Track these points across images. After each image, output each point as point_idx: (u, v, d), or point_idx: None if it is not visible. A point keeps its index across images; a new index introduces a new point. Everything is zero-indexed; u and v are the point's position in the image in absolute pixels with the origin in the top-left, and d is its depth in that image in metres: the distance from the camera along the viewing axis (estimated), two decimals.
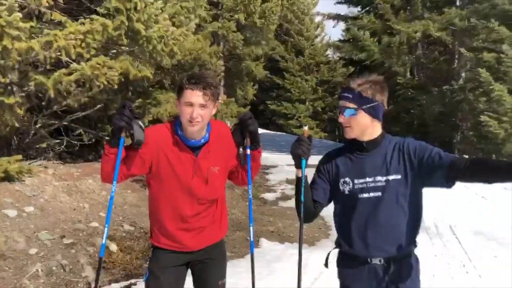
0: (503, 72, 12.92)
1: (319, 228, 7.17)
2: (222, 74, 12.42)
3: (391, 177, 2.18)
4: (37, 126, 6.89)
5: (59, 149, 7.52)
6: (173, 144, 2.44)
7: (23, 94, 5.88)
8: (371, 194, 2.20)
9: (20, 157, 6.02)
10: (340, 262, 2.37)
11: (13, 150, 6.82)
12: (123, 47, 6.36)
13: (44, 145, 7.27)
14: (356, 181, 2.23)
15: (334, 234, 2.44)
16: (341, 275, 2.38)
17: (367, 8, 18.17)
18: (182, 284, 2.65)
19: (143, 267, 5.04)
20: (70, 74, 5.75)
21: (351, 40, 18.33)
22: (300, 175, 2.25)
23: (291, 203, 8.30)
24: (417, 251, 2.34)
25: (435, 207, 8.00)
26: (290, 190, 9.91)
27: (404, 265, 2.24)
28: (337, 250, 2.39)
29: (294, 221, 7.31)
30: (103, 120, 7.88)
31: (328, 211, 2.48)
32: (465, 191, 8.98)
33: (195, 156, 2.45)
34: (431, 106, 16.03)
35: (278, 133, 26.86)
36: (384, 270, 2.22)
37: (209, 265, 2.63)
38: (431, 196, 8.39)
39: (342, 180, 2.27)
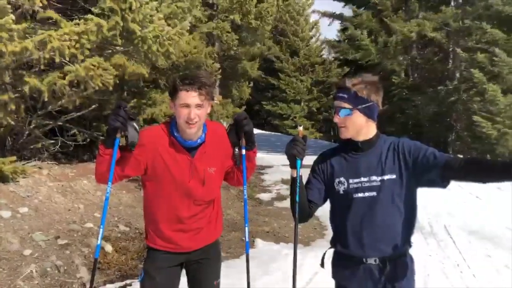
0: (496, 72, 12.98)
1: (314, 228, 7.18)
2: (219, 76, 12.40)
3: (386, 177, 2.19)
4: (31, 126, 6.85)
5: (54, 150, 7.48)
6: (169, 145, 2.43)
7: (17, 94, 5.85)
8: (366, 194, 2.21)
9: (14, 158, 5.99)
10: (336, 262, 2.38)
11: (8, 151, 6.78)
12: (117, 47, 6.34)
13: (38, 145, 7.24)
14: (351, 180, 2.23)
15: (329, 234, 2.45)
16: (336, 275, 2.38)
17: (363, 8, 18.18)
18: (177, 284, 2.65)
19: (138, 268, 5.03)
20: (64, 75, 5.73)
21: (346, 40, 18.35)
22: (295, 175, 2.25)
23: (287, 203, 8.31)
24: (412, 251, 2.35)
25: (430, 207, 8.03)
26: (285, 190, 9.91)
27: (399, 265, 2.25)
28: (332, 250, 2.40)
29: (290, 221, 7.31)
30: (98, 120, 7.84)
31: (323, 211, 2.48)
32: (459, 191, 9.02)
33: (191, 157, 2.44)
34: (425, 107, 16.09)
35: (274, 133, 26.87)
36: (380, 270, 2.23)
37: (204, 265, 2.63)
38: (426, 196, 8.43)
39: (337, 180, 2.27)
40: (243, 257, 5.58)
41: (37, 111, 6.79)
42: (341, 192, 2.26)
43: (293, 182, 2.26)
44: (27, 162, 6.88)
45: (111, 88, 6.24)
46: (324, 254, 2.45)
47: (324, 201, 2.36)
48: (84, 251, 5.26)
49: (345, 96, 2.18)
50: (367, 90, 2.18)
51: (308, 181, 2.37)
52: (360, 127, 2.21)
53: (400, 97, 17.36)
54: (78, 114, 7.14)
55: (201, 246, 2.59)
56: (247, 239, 2.68)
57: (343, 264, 2.32)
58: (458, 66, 15.88)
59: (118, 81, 6.38)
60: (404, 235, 2.24)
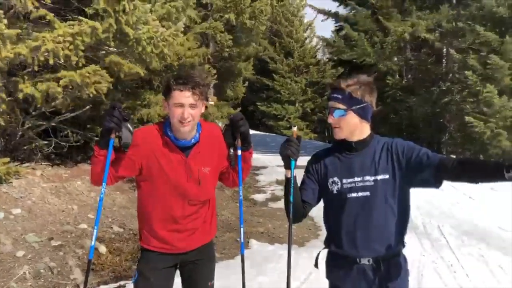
0: (490, 74, 13.06)
1: (308, 228, 7.18)
2: (214, 80, 12.39)
3: (379, 177, 2.20)
4: (24, 127, 6.81)
5: (47, 151, 7.44)
6: (163, 145, 2.43)
7: (11, 98, 5.85)
8: (360, 194, 2.21)
9: (7, 159, 5.96)
10: (329, 262, 2.38)
11: (0, 152, 6.74)
12: (111, 48, 6.32)
13: (32, 146, 7.20)
14: (344, 180, 2.24)
15: (323, 234, 2.45)
16: (330, 275, 2.39)
17: (359, 8, 18.19)
18: (171, 285, 2.64)
19: (132, 269, 5.01)
20: (58, 80, 5.73)
21: (341, 40, 18.34)
22: (289, 175, 2.26)
23: (281, 204, 8.32)
24: (405, 251, 2.36)
25: (423, 207, 8.07)
26: (280, 191, 9.92)
27: (392, 265, 2.26)
28: (326, 250, 2.40)
29: (284, 222, 7.32)
30: (92, 121, 7.81)
31: (317, 212, 2.49)
32: (453, 192, 9.07)
33: (185, 157, 2.44)
34: (419, 107, 16.17)
35: (268, 134, 26.87)
36: (373, 270, 2.24)
37: (199, 266, 2.63)
38: (419, 196, 8.50)
39: (330, 180, 2.28)
40: (238, 257, 5.61)
41: (30, 112, 6.75)
42: (335, 192, 2.26)
43: (287, 182, 2.27)
44: (21, 163, 6.84)
45: (103, 96, 6.25)
46: (318, 254, 2.46)
47: (318, 201, 2.37)
48: (78, 252, 5.24)
49: (339, 97, 2.19)
50: (361, 91, 2.19)
51: (302, 182, 2.37)
52: (354, 127, 2.22)
53: (394, 98, 17.43)
54: (72, 115, 7.11)
55: (196, 246, 2.58)
56: (242, 240, 2.68)
57: (337, 264, 2.33)
58: (451, 67, 15.97)
59: (112, 81, 6.37)
60: (397, 235, 2.25)
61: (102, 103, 6.96)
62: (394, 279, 2.24)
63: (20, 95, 5.61)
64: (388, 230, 2.23)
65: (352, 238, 2.24)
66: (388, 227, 2.23)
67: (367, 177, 2.21)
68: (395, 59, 16.56)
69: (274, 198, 9.53)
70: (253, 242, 6.32)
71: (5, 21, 5.01)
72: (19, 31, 5.30)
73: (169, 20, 6.79)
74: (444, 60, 16.46)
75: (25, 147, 7.16)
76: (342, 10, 19.80)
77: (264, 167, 12.99)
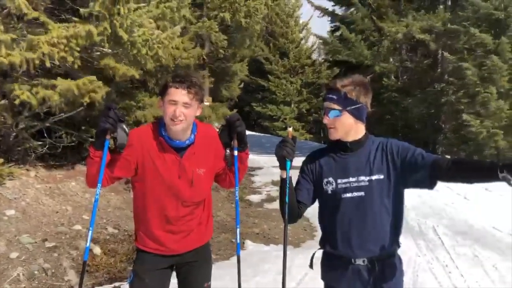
0: (487, 75, 13.11)
1: (304, 229, 7.19)
2: (210, 84, 12.38)
3: (374, 177, 2.20)
4: (18, 128, 6.77)
5: (42, 151, 7.41)
6: (157, 145, 2.42)
7: (5, 101, 5.84)
8: (354, 194, 2.21)
9: (1, 160, 5.92)
10: (325, 263, 2.38)
11: None
12: (106, 49, 6.30)
13: (26, 147, 7.16)
14: (339, 180, 2.24)
15: (319, 235, 2.45)
16: (325, 276, 2.39)
17: (358, 4, 18.17)
18: (167, 286, 2.63)
19: (127, 270, 4.99)
20: (54, 87, 5.73)
21: (337, 40, 18.35)
22: (284, 176, 2.25)
23: (277, 204, 8.32)
24: (400, 252, 2.36)
25: (419, 208, 8.10)
26: (275, 191, 9.92)
27: (387, 266, 2.26)
28: (321, 251, 2.40)
29: (279, 222, 7.32)
30: (86, 121, 7.78)
31: (313, 212, 2.48)
32: (448, 192, 9.10)
33: (179, 157, 2.43)
34: (414, 108, 16.22)
35: (264, 135, 26.88)
36: (368, 270, 2.23)
37: (195, 268, 2.62)
38: (414, 197, 8.52)
39: (325, 180, 2.28)
40: (233, 258, 5.60)
41: (24, 113, 6.72)
42: (329, 192, 2.26)
43: (282, 183, 2.26)
44: (14, 164, 6.80)
45: (97, 104, 6.29)
46: (313, 255, 2.45)
47: (313, 201, 2.36)
48: (72, 253, 5.21)
49: (335, 97, 2.19)
50: (356, 91, 2.19)
51: (297, 182, 2.37)
52: (349, 128, 2.22)
53: (389, 99, 17.48)
54: (66, 115, 7.08)
55: (191, 248, 2.57)
56: (238, 241, 2.67)
57: (332, 264, 2.33)
58: (446, 68, 16.03)
59: (107, 91, 6.39)
60: (392, 235, 2.25)
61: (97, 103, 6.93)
62: (389, 280, 2.24)
63: (17, 101, 5.63)
64: (383, 230, 2.23)
65: (346, 238, 2.23)
66: (383, 227, 2.23)
67: (362, 177, 2.21)
68: (391, 60, 16.58)
69: (270, 199, 9.52)
70: (249, 243, 6.32)
71: (2, 27, 5.02)
72: (15, 36, 5.30)
73: (164, 20, 6.78)
74: (439, 61, 16.50)
75: (19, 148, 7.12)
76: (338, 10, 19.78)
77: (260, 168, 12.99)
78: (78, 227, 5.86)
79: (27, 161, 7.19)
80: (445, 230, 6.96)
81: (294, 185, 2.34)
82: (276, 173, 10.43)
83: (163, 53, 6.60)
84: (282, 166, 2.24)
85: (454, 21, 14.59)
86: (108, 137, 2.29)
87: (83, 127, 7.78)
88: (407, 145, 2.23)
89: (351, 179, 2.22)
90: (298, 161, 2.28)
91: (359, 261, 2.23)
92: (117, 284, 4.73)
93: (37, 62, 5.37)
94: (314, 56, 32.63)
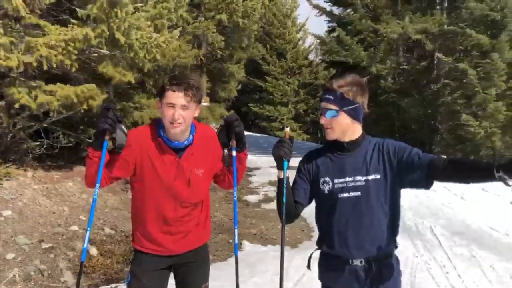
0: (484, 75, 13.13)
1: (301, 230, 7.18)
2: (207, 85, 12.38)
3: (370, 177, 2.20)
4: (16, 128, 6.76)
5: (39, 152, 7.39)
6: (155, 145, 2.42)
7: (2, 102, 5.84)
8: (351, 194, 2.21)
9: None
10: (322, 263, 2.38)
11: None
12: (104, 51, 6.30)
13: (23, 147, 7.15)
14: (336, 180, 2.24)
15: (316, 235, 2.45)
16: (322, 277, 2.39)
17: (352, 9, 18.16)
18: (165, 287, 2.62)
19: (124, 271, 4.98)
20: (52, 93, 5.74)
21: (334, 41, 18.32)
22: (282, 176, 2.25)
23: (274, 205, 8.32)
24: (397, 252, 2.36)
25: (415, 208, 8.11)
26: (273, 192, 9.91)
27: (384, 266, 2.26)
28: (319, 251, 2.40)
29: (277, 223, 7.32)
30: (84, 122, 7.77)
31: (310, 213, 2.48)
32: (445, 192, 9.12)
33: (178, 158, 2.43)
34: (411, 109, 16.23)
35: (261, 135, 26.88)
36: (365, 271, 2.24)
37: (192, 268, 2.62)
38: (412, 197, 8.51)
39: (322, 180, 2.28)
40: (230, 259, 5.60)
41: (21, 114, 6.70)
42: (326, 192, 2.26)
43: (280, 183, 2.26)
44: (11, 164, 6.78)
45: (94, 111, 6.32)
46: (311, 255, 2.45)
47: (310, 201, 2.36)
48: (69, 254, 5.20)
49: (331, 97, 2.19)
50: (353, 92, 2.20)
51: (294, 182, 2.37)
52: (346, 128, 2.23)
53: (386, 100, 17.49)
54: (64, 115, 7.06)
55: (189, 249, 2.57)
56: (236, 241, 2.66)
57: (329, 265, 2.33)
58: (442, 69, 16.05)
59: (104, 98, 6.42)
60: (389, 235, 2.25)
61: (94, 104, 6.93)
62: (386, 280, 2.24)
63: (17, 105, 5.65)
64: (380, 230, 2.23)
65: (343, 238, 2.23)
66: (380, 227, 2.23)
67: (358, 177, 2.21)
68: (388, 61, 16.57)
69: (267, 199, 9.52)
70: (246, 243, 6.31)
71: (1, 30, 5.03)
72: (13, 39, 5.31)
73: (161, 18, 6.77)
74: (435, 62, 16.51)
75: (16, 148, 7.10)
76: (336, 10, 19.71)
77: (257, 168, 12.99)
78: (75, 227, 5.84)
79: (24, 161, 7.17)
80: (442, 230, 6.97)
81: (291, 185, 2.34)
82: (273, 174, 10.43)
83: (161, 57, 6.63)
84: (280, 166, 2.24)
85: (451, 22, 14.61)
86: (107, 137, 2.29)
87: (81, 128, 7.77)
88: (404, 145, 2.24)
89: (347, 179, 2.22)
90: (295, 161, 2.28)
91: (356, 262, 2.24)
92: (113, 285, 4.71)
93: (34, 64, 5.38)
94: (311, 56, 32.70)
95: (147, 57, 6.34)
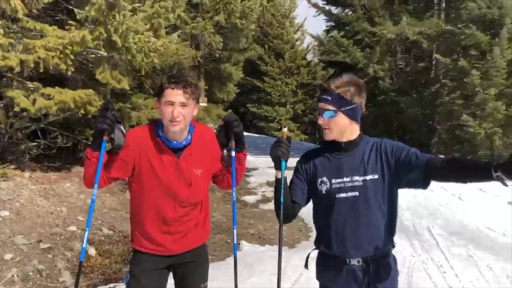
0: (483, 75, 13.14)
1: (299, 230, 7.19)
2: (205, 87, 12.37)
3: (368, 177, 2.21)
4: (13, 128, 6.75)
5: (36, 152, 7.38)
6: (154, 145, 2.42)
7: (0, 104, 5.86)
8: (349, 194, 2.22)
9: None
10: (320, 263, 2.38)
11: None
12: (101, 52, 6.30)
13: (21, 148, 7.14)
14: (333, 180, 2.24)
15: (314, 235, 2.45)
16: (320, 276, 2.39)
17: (350, 10, 18.16)
18: (164, 287, 2.63)
19: (122, 271, 4.98)
20: (50, 96, 5.75)
21: (331, 41, 18.32)
22: (279, 176, 2.26)
23: (272, 205, 8.32)
24: (395, 252, 2.37)
25: (413, 208, 8.12)
26: (270, 192, 9.92)
27: (382, 266, 2.27)
28: (316, 251, 2.40)
29: (275, 223, 7.32)
30: (81, 122, 7.76)
31: (308, 213, 2.49)
32: (443, 193, 9.13)
33: (176, 158, 2.43)
34: (409, 110, 16.25)
35: (259, 135, 26.88)
36: (363, 271, 2.24)
37: (191, 268, 2.62)
38: (409, 197, 8.52)
39: (319, 180, 2.28)
40: (229, 259, 5.60)
41: (19, 114, 6.70)
42: (324, 192, 2.26)
43: (277, 183, 2.26)
44: (9, 165, 6.77)
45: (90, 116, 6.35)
46: (308, 255, 2.46)
47: (308, 201, 2.37)
48: (67, 254, 5.20)
49: (329, 98, 2.20)
50: (350, 92, 2.20)
51: (291, 182, 2.37)
52: (344, 128, 2.23)
53: (384, 101, 17.50)
54: (62, 116, 7.06)
55: (188, 249, 2.57)
56: (235, 241, 2.66)
57: (327, 265, 2.33)
58: (441, 69, 16.07)
59: (101, 104, 6.44)
60: (386, 235, 2.26)
61: (91, 105, 6.93)
62: (384, 280, 2.25)
63: (16, 108, 5.66)
64: (377, 230, 2.24)
65: (341, 238, 2.24)
66: (377, 227, 2.24)
67: (356, 177, 2.22)
68: (385, 63, 16.58)
69: (265, 200, 9.53)
70: (244, 243, 6.32)
71: (1, 30, 5.04)
72: (12, 40, 5.32)
73: (159, 17, 6.78)
74: (433, 63, 16.54)
75: (13, 149, 7.09)
76: (334, 10, 19.69)
77: (255, 169, 12.99)
78: (73, 228, 5.84)
79: (22, 162, 7.16)
80: (440, 230, 6.99)
81: (288, 185, 2.34)
82: (271, 174, 10.42)
83: (159, 60, 6.66)
84: (277, 167, 2.25)
85: (449, 22, 14.63)
86: (105, 138, 2.29)
87: (78, 129, 7.76)
88: (402, 145, 2.24)
89: (345, 179, 2.23)
90: (293, 161, 2.29)
91: (354, 261, 2.24)
92: (112, 285, 4.71)
93: (32, 66, 5.39)
94: (309, 57, 32.70)
95: (144, 60, 6.36)
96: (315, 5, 18.94)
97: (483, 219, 7.54)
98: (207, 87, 13.98)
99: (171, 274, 2.67)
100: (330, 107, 2.19)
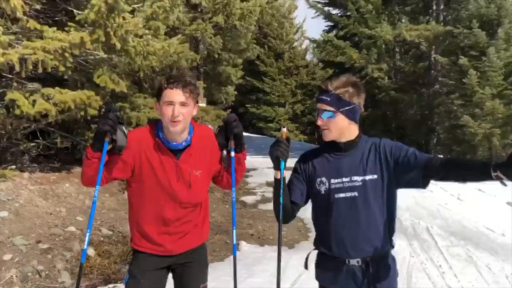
0: (481, 75, 13.15)
1: (298, 230, 7.19)
2: (204, 87, 12.36)
3: (367, 177, 2.21)
4: (12, 129, 6.74)
5: (35, 153, 7.37)
6: (154, 147, 2.42)
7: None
8: (348, 194, 2.22)
9: None
10: (319, 264, 2.38)
11: None
12: (101, 53, 6.30)
13: (19, 148, 7.13)
14: (332, 180, 2.24)
15: (313, 236, 2.46)
16: (319, 277, 2.39)
17: (348, 12, 18.19)
18: (163, 287, 2.63)
19: (121, 272, 4.98)
20: (49, 98, 5.75)
21: (330, 42, 18.33)
22: (278, 176, 2.26)
23: (271, 206, 8.31)
24: (394, 252, 2.37)
25: (412, 208, 8.13)
26: (269, 193, 9.92)
27: (381, 266, 2.27)
28: (316, 251, 2.40)
29: (274, 223, 7.32)
30: (80, 123, 7.75)
31: (307, 214, 2.49)
32: (442, 193, 9.15)
33: (176, 159, 2.43)
34: (408, 110, 16.27)
35: (258, 136, 26.88)
36: (362, 271, 2.24)
37: (190, 269, 2.61)
38: (408, 197, 8.52)
39: (318, 180, 2.28)
40: (228, 260, 5.60)
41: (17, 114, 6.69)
42: (322, 192, 2.26)
43: (276, 183, 2.26)
44: (8, 165, 6.77)
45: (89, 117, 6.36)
46: (308, 255, 2.46)
47: (306, 201, 2.37)
48: (66, 255, 5.19)
49: (328, 99, 2.20)
50: (349, 93, 2.20)
51: (290, 182, 2.37)
52: (343, 129, 2.23)
53: (382, 101, 17.51)
54: (61, 117, 7.06)
55: (187, 249, 2.57)
56: (234, 242, 2.65)
57: (326, 265, 2.33)
58: (439, 70, 16.08)
59: (100, 105, 6.45)
60: (385, 235, 2.26)
61: (90, 105, 6.93)
62: (383, 280, 2.25)
63: (17, 111, 5.68)
64: (377, 230, 2.24)
65: (340, 239, 2.24)
66: (377, 227, 2.24)
67: (355, 178, 2.22)
68: (384, 64, 16.59)
69: (264, 200, 9.53)
70: (243, 244, 6.32)
71: (1, 27, 5.04)
72: (12, 37, 5.31)
73: (157, 17, 6.78)
74: (432, 63, 16.54)
75: (12, 149, 7.09)
76: (332, 10, 19.71)
77: (254, 169, 12.99)
78: (72, 228, 5.83)
79: (21, 162, 7.15)
80: (439, 230, 6.99)
81: (287, 185, 2.34)
82: (270, 174, 10.43)
83: (158, 63, 6.66)
84: (276, 167, 2.25)
85: (447, 24, 14.65)
86: (107, 139, 2.29)
87: (77, 130, 7.75)
88: (400, 144, 2.24)
89: (344, 179, 2.23)
90: (292, 161, 2.29)
91: (353, 262, 2.24)
92: (111, 285, 4.71)
93: (30, 67, 5.39)
94: (308, 57, 32.70)
95: (143, 63, 6.37)
96: (314, 7, 18.98)
97: (482, 219, 7.55)
98: (205, 85, 13.96)
99: (170, 275, 2.67)
100: (329, 108, 2.19)
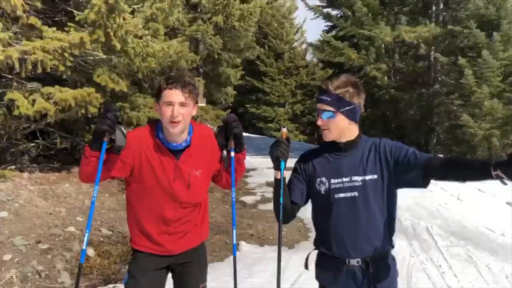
0: (479, 75, 13.15)
1: (298, 230, 7.19)
2: (204, 89, 12.36)
3: (367, 177, 2.21)
4: (11, 129, 6.73)
5: (35, 153, 7.37)
6: (154, 147, 2.42)
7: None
8: (348, 194, 2.22)
9: None
10: (319, 264, 2.38)
11: None
12: (100, 55, 6.30)
13: (19, 148, 7.13)
14: (332, 180, 2.24)
15: (313, 236, 2.46)
16: (319, 277, 2.39)
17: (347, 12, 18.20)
18: (162, 287, 2.62)
19: (121, 272, 4.98)
20: (49, 97, 5.75)
21: (329, 42, 18.34)
22: (278, 176, 2.25)
23: (271, 206, 8.30)
24: (394, 252, 2.37)
25: (412, 208, 8.13)
26: (269, 193, 9.92)
27: (381, 266, 2.27)
28: (316, 251, 2.40)
29: (274, 224, 7.32)
30: (80, 124, 7.74)
31: (307, 214, 2.49)
32: (441, 193, 9.15)
33: (176, 160, 2.43)
34: (408, 110, 16.26)
35: (258, 136, 26.89)
36: (362, 271, 2.24)
37: (190, 269, 2.61)
38: (408, 197, 8.53)
39: (318, 180, 2.28)
40: (227, 260, 5.60)
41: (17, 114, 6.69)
42: (322, 192, 2.26)
43: (276, 183, 2.26)
44: (7, 166, 6.76)
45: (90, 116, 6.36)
46: (308, 255, 2.45)
47: (306, 201, 2.37)
48: (66, 255, 5.19)
49: (328, 99, 2.19)
50: (349, 93, 2.19)
51: (290, 182, 2.37)
52: (343, 129, 2.23)
53: (382, 101, 17.51)
54: (60, 117, 7.05)
55: (187, 249, 2.57)
56: (234, 242, 2.65)
57: (326, 265, 2.33)
58: (439, 70, 16.08)
59: (101, 103, 6.44)
60: (385, 235, 2.25)
61: (90, 104, 6.93)
62: (383, 280, 2.25)
63: (16, 112, 5.68)
64: (377, 231, 2.24)
65: (340, 239, 2.24)
66: (376, 227, 2.23)
67: (355, 177, 2.22)
68: (384, 64, 16.58)
69: (264, 200, 9.53)
70: (243, 244, 6.32)
71: (1, 24, 5.03)
72: (12, 34, 5.31)
73: (156, 19, 6.78)
74: (431, 63, 16.54)
75: (12, 150, 7.08)
76: (331, 11, 19.70)
77: (254, 169, 12.99)
78: (71, 228, 5.83)
79: (20, 162, 7.15)
80: (439, 230, 6.99)
81: (287, 185, 2.34)
82: (270, 174, 10.43)
83: (157, 64, 6.67)
84: (276, 167, 2.24)
85: (447, 25, 14.65)
86: (105, 138, 2.28)
87: (77, 130, 7.75)
88: (400, 144, 2.24)
89: (344, 179, 2.22)
90: (292, 162, 2.29)
91: (353, 262, 2.24)
92: (111, 285, 4.71)
93: (30, 67, 5.39)
94: (308, 57, 32.71)
95: (142, 64, 6.38)
96: (313, 9, 18.98)
97: (482, 219, 7.55)
98: (205, 84, 13.96)
99: (170, 275, 2.67)
100: (329, 108, 2.19)
